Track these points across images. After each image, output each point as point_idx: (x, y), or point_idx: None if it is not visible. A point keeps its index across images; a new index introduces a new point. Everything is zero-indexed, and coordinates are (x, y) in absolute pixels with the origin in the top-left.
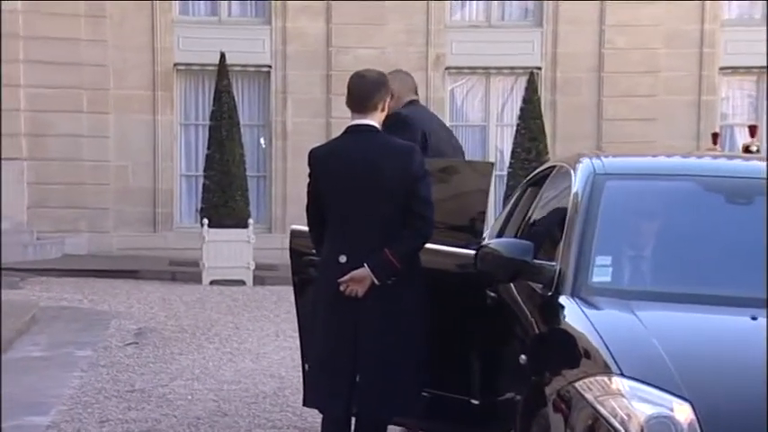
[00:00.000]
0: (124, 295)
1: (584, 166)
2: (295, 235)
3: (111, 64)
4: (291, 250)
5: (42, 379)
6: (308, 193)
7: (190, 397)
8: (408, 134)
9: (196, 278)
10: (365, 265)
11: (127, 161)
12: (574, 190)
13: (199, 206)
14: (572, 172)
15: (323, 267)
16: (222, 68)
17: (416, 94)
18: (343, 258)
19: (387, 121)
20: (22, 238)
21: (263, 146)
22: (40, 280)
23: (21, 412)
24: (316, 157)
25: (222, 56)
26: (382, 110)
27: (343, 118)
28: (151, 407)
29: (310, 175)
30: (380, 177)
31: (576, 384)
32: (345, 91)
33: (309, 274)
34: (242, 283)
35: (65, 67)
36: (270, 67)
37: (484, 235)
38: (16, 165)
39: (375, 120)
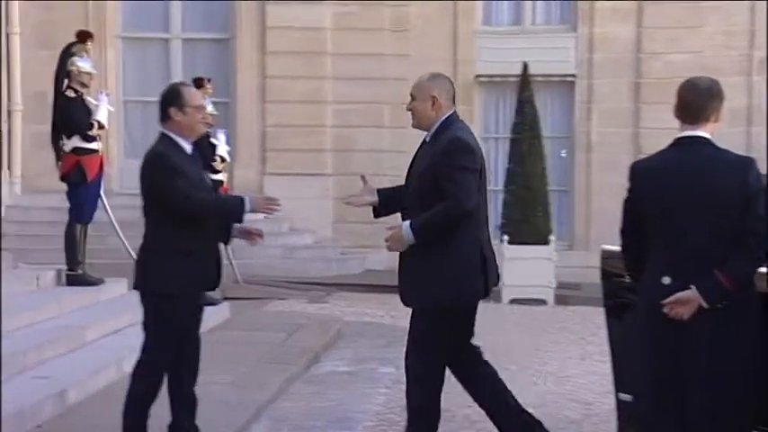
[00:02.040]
0: None
1: None
2: (607, 256)
3: (413, 77)
4: (603, 272)
5: (349, 394)
6: (626, 210)
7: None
8: (473, 165)
9: (495, 296)
10: (692, 287)
11: None
12: None
13: (499, 222)
14: None
15: (644, 290)
16: (525, 79)
17: (455, 103)
18: (666, 280)
19: (451, 147)
20: (327, 252)
21: (563, 156)
22: (344, 295)
23: (330, 426)
24: (639, 172)
25: (525, 66)
26: (714, 120)
27: (653, 129)
28: (453, 426)
29: (630, 191)
30: (714, 193)
31: None
32: (656, 100)
33: (623, 297)
34: (543, 302)
35: (368, 82)
36: (574, 76)
37: None
38: (322, 180)
39: (707, 131)
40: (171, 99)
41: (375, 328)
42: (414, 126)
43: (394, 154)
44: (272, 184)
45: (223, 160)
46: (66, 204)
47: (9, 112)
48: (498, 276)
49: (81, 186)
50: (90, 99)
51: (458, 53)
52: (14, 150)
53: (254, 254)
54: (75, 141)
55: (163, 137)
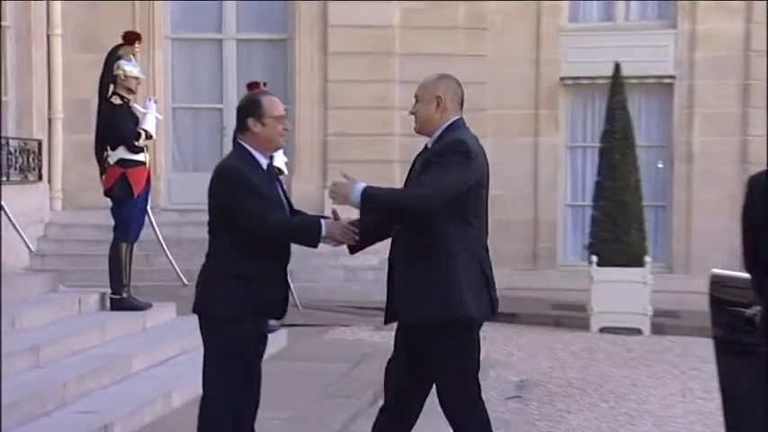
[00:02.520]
0: (502, 341)
1: None
2: (716, 281)
3: (491, 80)
4: (712, 299)
5: (419, 430)
6: (745, 230)
7: None
8: (466, 172)
9: (583, 324)
10: None
11: (504, 190)
12: None
13: (587, 241)
14: None
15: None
16: (616, 81)
17: (462, 108)
18: None
19: (446, 145)
20: None
21: (660, 167)
22: None
23: None
24: (759, 186)
25: (617, 66)
26: None
27: (762, 136)
28: None
29: (747, 208)
30: None
31: None
32: (766, 104)
33: (735, 327)
34: (638, 331)
35: None
36: (673, 77)
37: None
38: None
39: None
40: (249, 109)
41: None
42: (416, 131)
43: None
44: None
45: (280, 172)
46: (111, 221)
47: (49, 121)
48: (497, 300)
49: (126, 202)
50: (137, 106)
51: (541, 53)
52: (55, 162)
53: (313, 276)
54: (121, 153)
55: (238, 149)
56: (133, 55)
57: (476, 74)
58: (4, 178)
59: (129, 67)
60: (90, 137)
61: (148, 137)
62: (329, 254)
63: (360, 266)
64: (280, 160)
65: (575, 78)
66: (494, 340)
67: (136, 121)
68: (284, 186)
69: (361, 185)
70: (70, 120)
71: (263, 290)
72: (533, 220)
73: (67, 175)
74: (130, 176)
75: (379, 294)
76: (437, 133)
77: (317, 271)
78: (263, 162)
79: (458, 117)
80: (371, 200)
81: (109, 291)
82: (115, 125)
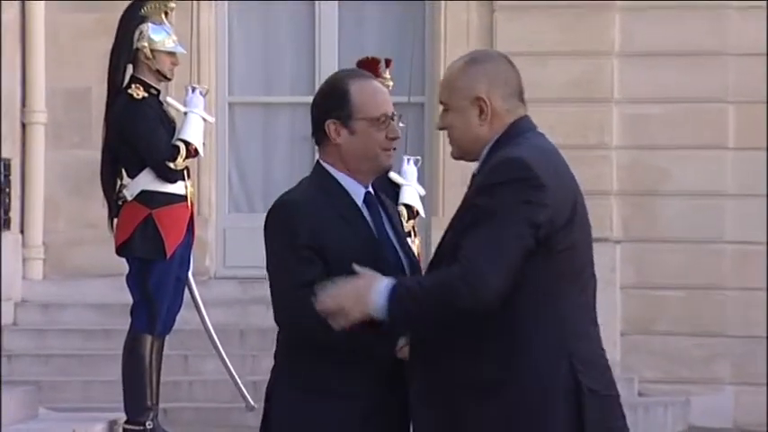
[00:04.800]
0: None
1: None
2: None
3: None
4: None
5: None
6: None
7: None
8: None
9: None
10: None
11: None
12: None
13: None
14: None
15: None
16: None
17: (523, 100)
18: None
19: (490, 174)
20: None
21: None
22: None
23: None
24: None
25: None
26: None
27: None
28: None
29: None
30: None
31: None
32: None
33: None
34: None
35: (685, 63)
36: None
37: None
38: (601, 244)
39: None
40: (328, 105)
41: None
42: (455, 157)
43: (741, 200)
44: None
45: (412, 215)
46: (125, 298)
47: (23, 126)
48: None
49: (153, 265)
50: (172, 101)
51: None
52: (32, 198)
53: None
54: (146, 181)
55: (315, 171)
56: (165, 15)
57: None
58: None
59: (157, 36)
60: (92, 153)
61: (192, 153)
62: None
63: None
64: (411, 194)
65: None
66: None
67: (171, 126)
68: (410, 236)
69: (385, 286)
70: (57, 124)
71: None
72: None
73: (53, 219)
74: (160, 221)
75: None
76: (485, 151)
77: None
78: (358, 192)
79: (516, 118)
80: (399, 306)
81: (122, 418)
82: (136, 133)
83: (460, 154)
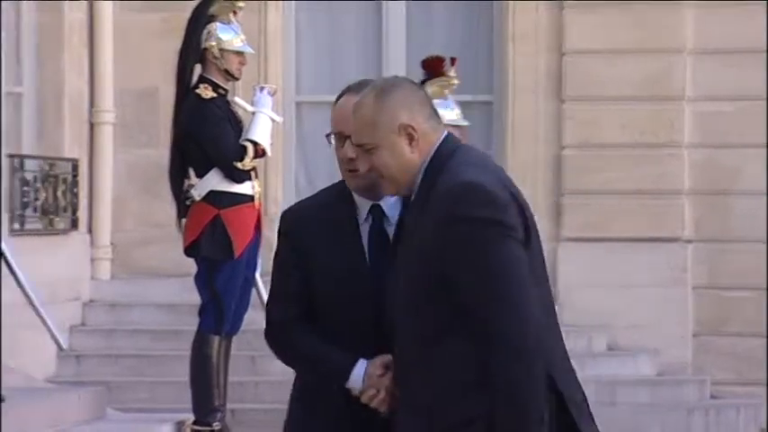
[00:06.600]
0: None
1: None
2: None
3: None
4: None
5: None
6: None
7: None
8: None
9: None
10: None
11: None
12: None
13: None
14: None
15: None
16: None
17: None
18: None
19: (462, 198)
20: (685, 393)
21: None
22: None
23: None
24: None
25: None
26: None
27: None
28: None
29: None
30: None
31: None
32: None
33: None
34: None
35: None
36: None
37: None
38: (672, 251)
39: None
40: None
41: None
42: (391, 194)
43: None
44: (575, 257)
45: None
46: (194, 299)
47: (91, 126)
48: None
49: (222, 265)
50: (240, 101)
51: None
52: (100, 198)
53: None
54: (214, 181)
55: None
56: (234, 14)
57: None
58: (15, 225)
59: (227, 36)
60: (160, 153)
61: (260, 153)
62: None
63: (622, 378)
64: None
65: None
66: None
67: (239, 126)
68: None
69: None
70: (125, 124)
71: None
72: None
73: (121, 219)
74: (228, 221)
75: (663, 427)
76: (419, 177)
77: None
78: (364, 205)
79: (441, 136)
80: None
81: (190, 419)
82: (204, 133)
83: (399, 190)
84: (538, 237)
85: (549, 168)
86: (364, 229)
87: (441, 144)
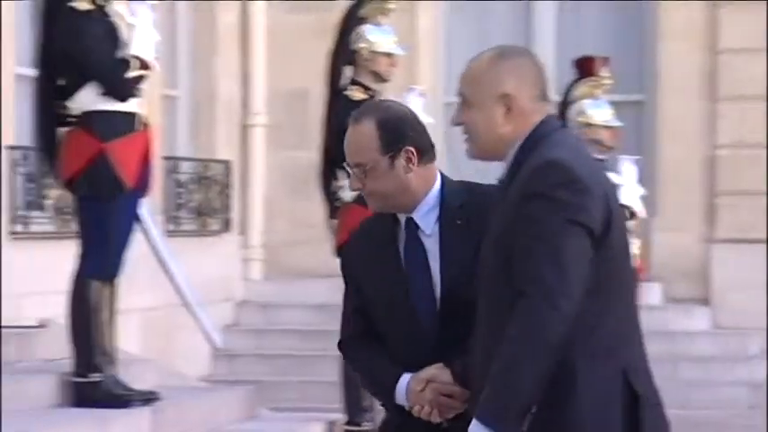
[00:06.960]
0: None
1: None
2: None
3: None
4: None
5: None
6: None
7: None
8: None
9: None
10: None
11: None
12: None
13: None
14: None
15: None
16: None
17: (547, 99)
18: None
19: (540, 175)
20: None
21: None
22: None
23: None
24: None
25: None
26: None
27: None
28: None
29: None
30: None
31: None
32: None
33: None
34: None
35: None
36: None
37: None
38: None
39: None
40: None
41: None
42: (472, 157)
43: None
44: (729, 259)
45: (632, 215)
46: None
47: (244, 129)
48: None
49: None
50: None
51: None
52: (252, 199)
53: (686, 394)
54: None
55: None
56: (383, 14)
57: None
58: (170, 226)
59: (376, 38)
60: (310, 155)
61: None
62: (718, 358)
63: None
64: (628, 194)
65: None
66: None
67: None
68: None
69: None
70: (278, 126)
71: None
72: None
73: (273, 219)
74: None
75: None
76: (511, 154)
77: (692, 388)
78: (402, 219)
79: (542, 118)
80: (497, 413)
81: (341, 418)
82: None
83: (479, 154)
84: (623, 234)
85: (702, 168)
86: (403, 244)
87: (539, 125)
